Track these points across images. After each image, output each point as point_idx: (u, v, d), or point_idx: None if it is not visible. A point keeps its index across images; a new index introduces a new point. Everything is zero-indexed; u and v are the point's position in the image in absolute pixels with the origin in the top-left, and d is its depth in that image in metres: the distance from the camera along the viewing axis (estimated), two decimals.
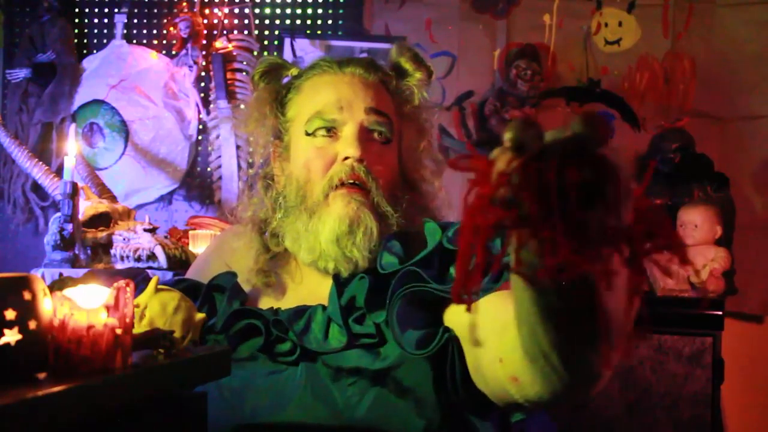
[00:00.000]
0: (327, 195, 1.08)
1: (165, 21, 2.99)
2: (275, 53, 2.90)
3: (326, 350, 1.03)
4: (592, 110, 0.48)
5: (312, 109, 1.12)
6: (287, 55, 2.83)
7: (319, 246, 1.08)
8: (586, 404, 1.03)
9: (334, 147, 1.10)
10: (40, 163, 2.35)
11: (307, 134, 1.11)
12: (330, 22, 2.93)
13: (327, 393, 1.02)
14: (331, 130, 1.11)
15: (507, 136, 0.47)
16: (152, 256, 2.17)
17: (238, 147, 2.85)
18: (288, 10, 2.95)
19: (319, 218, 1.08)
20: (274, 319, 1.06)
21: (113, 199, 2.36)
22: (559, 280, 0.52)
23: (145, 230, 2.20)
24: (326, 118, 1.10)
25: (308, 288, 1.14)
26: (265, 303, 1.14)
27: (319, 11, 2.94)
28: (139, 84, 2.97)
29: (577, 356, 0.65)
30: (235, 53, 2.92)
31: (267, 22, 2.97)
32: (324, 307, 1.07)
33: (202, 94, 2.95)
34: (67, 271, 2.00)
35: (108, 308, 0.67)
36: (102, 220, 2.22)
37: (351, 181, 1.08)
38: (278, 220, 1.15)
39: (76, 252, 2.12)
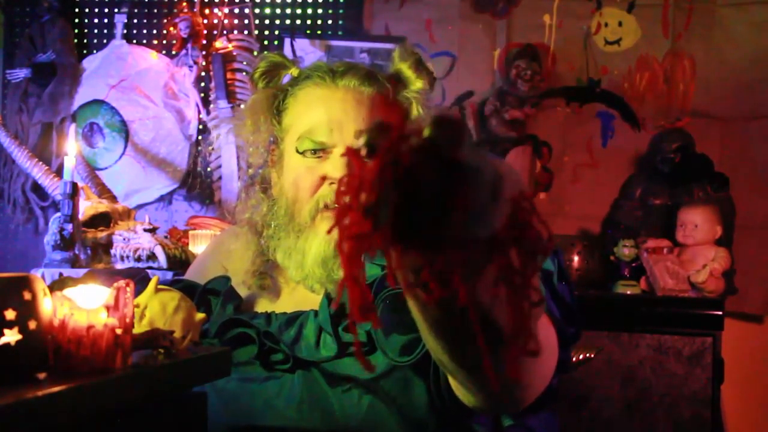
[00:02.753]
0: (314, 217, 1.08)
1: (165, 21, 2.99)
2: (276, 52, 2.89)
3: (318, 359, 1.03)
4: (446, 112, 0.44)
5: (303, 127, 1.11)
6: (287, 55, 2.82)
7: (307, 266, 1.09)
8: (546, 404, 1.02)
9: (323, 167, 1.09)
10: (40, 163, 2.35)
11: (298, 152, 1.11)
12: (330, 22, 2.93)
13: (324, 399, 1.02)
14: (321, 151, 1.09)
15: (361, 140, 0.45)
16: (152, 256, 2.17)
17: (238, 147, 2.85)
18: (288, 10, 2.95)
19: (306, 239, 1.09)
20: (264, 330, 1.06)
21: (113, 199, 2.36)
22: (424, 291, 0.49)
23: (145, 230, 2.20)
24: (315, 140, 1.09)
25: (303, 291, 1.13)
26: (261, 306, 1.14)
27: (319, 11, 2.94)
28: (139, 84, 2.97)
29: (472, 367, 0.63)
30: (235, 53, 2.92)
31: (267, 22, 2.97)
32: (316, 313, 1.07)
33: (202, 94, 2.95)
34: (67, 271, 2.00)
35: (108, 308, 0.67)
36: (102, 220, 2.22)
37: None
38: (271, 230, 1.15)
39: (76, 252, 2.12)
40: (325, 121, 1.09)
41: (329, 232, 0.47)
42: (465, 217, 0.45)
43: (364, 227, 0.45)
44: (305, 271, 1.09)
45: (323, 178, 1.08)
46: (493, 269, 0.48)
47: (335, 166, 1.07)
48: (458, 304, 0.48)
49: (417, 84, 1.17)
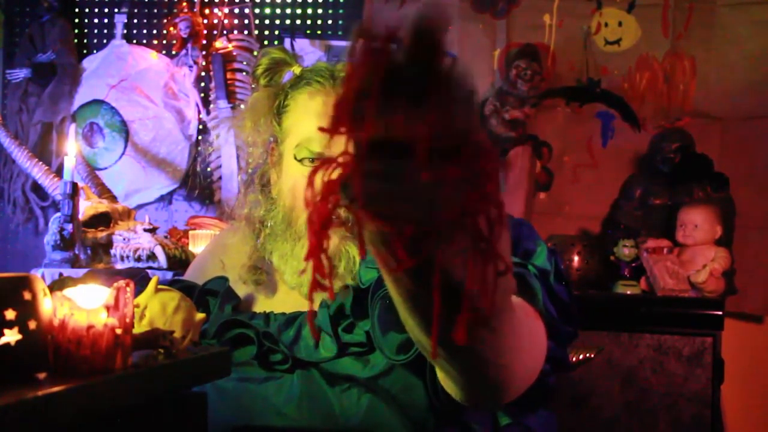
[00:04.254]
0: None
1: (165, 21, 2.99)
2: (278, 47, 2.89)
3: (317, 359, 1.03)
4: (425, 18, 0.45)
5: (302, 134, 1.10)
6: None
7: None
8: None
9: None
10: (40, 163, 2.35)
11: (296, 159, 1.10)
12: (330, 22, 2.93)
13: (323, 398, 1.02)
14: (319, 160, 1.08)
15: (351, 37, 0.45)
16: (152, 256, 2.17)
17: (238, 147, 2.85)
18: (288, 10, 2.95)
19: (303, 247, 1.08)
20: (264, 331, 1.06)
21: (113, 199, 2.36)
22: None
23: (145, 230, 2.20)
24: (313, 150, 1.08)
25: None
26: (260, 305, 1.14)
27: (319, 11, 2.94)
28: (139, 84, 2.97)
29: (449, 345, 0.60)
30: (235, 53, 2.92)
31: (267, 22, 2.97)
32: (315, 314, 1.06)
33: (202, 94, 2.95)
34: (67, 271, 2.00)
35: (108, 308, 0.67)
36: (102, 220, 2.22)
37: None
38: (268, 230, 1.14)
39: (76, 252, 2.12)
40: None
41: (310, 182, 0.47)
42: (443, 112, 0.44)
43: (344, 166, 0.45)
44: (301, 279, 1.09)
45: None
46: (461, 236, 0.48)
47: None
48: (429, 274, 0.48)
49: None
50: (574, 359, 1.86)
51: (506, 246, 0.58)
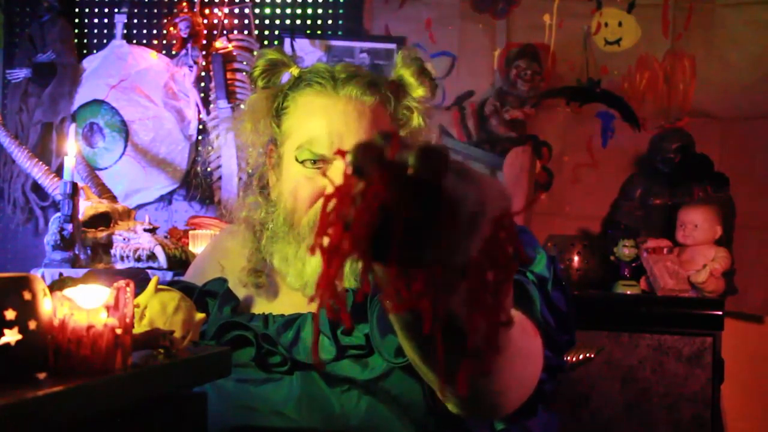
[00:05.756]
0: (313, 228, 1.07)
1: (165, 21, 2.99)
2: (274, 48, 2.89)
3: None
4: (430, 143, 0.46)
5: (303, 136, 1.09)
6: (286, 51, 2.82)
7: (306, 275, 1.08)
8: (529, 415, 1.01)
9: (323, 179, 1.08)
10: (40, 163, 2.35)
11: (297, 161, 1.09)
12: (330, 22, 2.93)
13: (323, 399, 1.02)
14: (321, 161, 1.08)
15: (347, 158, 0.46)
16: (152, 256, 2.16)
17: (237, 147, 2.85)
18: (288, 10, 2.95)
19: (306, 248, 1.08)
20: (262, 333, 1.05)
21: (113, 199, 2.36)
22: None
23: (145, 230, 2.20)
24: (315, 152, 1.08)
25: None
26: (259, 307, 1.14)
27: (319, 11, 2.94)
28: (139, 84, 2.97)
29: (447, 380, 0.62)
30: (235, 53, 2.92)
31: (267, 22, 2.97)
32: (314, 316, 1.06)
33: (202, 94, 2.95)
34: (67, 271, 2.00)
35: (108, 308, 0.67)
36: (102, 220, 2.22)
37: None
38: (269, 232, 1.14)
39: (76, 252, 2.12)
40: (325, 133, 1.07)
41: (313, 249, 0.47)
42: (442, 244, 0.45)
43: (343, 242, 0.45)
44: (304, 279, 1.09)
45: (323, 189, 1.07)
46: (466, 285, 0.49)
47: (335, 179, 1.06)
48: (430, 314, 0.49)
49: (418, 92, 1.15)
50: (573, 359, 1.86)
51: (510, 296, 0.58)
